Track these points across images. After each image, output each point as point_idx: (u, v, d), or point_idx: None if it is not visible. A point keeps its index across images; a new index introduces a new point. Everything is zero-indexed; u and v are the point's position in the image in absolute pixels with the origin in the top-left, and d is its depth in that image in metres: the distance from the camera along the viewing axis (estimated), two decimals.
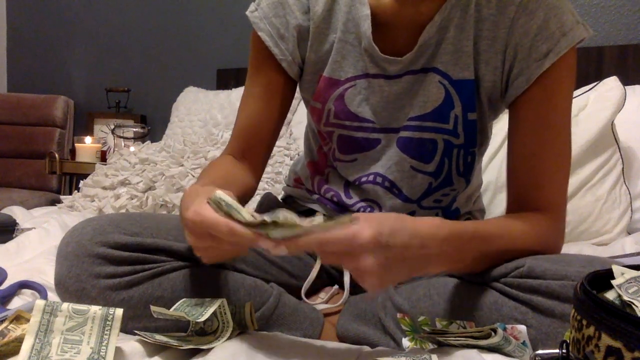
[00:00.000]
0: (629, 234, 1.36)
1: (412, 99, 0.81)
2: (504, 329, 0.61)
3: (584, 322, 0.45)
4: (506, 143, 0.80)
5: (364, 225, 0.53)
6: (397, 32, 0.79)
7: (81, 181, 1.78)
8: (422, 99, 0.80)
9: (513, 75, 0.76)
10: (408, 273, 0.59)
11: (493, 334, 0.60)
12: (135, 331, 0.64)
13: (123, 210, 1.54)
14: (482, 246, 0.66)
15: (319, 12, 0.82)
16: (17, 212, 1.52)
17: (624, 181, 1.40)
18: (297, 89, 0.90)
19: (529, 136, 0.75)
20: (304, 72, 0.87)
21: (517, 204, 0.77)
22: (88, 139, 2.41)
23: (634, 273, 0.49)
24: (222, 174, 0.81)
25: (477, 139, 0.84)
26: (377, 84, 0.81)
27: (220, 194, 0.56)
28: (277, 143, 1.17)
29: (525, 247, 0.69)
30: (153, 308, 0.63)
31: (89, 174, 1.81)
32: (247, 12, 0.85)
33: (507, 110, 0.86)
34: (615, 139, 1.39)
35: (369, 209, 0.87)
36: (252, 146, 0.87)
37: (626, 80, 1.44)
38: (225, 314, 0.65)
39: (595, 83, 1.44)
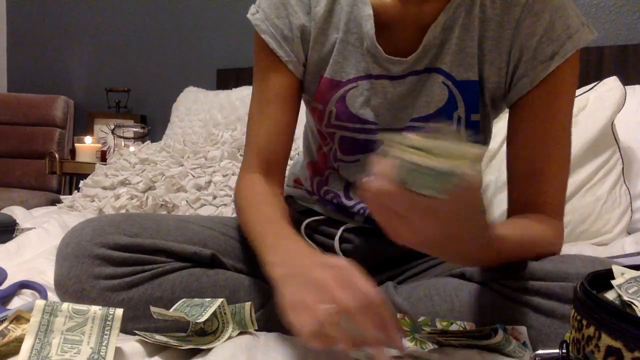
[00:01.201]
0: (629, 234, 1.36)
1: (415, 100, 0.80)
2: (504, 330, 0.61)
3: (584, 322, 0.45)
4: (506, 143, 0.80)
5: None
6: (400, 33, 0.79)
7: (81, 181, 1.78)
8: (425, 100, 0.80)
9: (517, 76, 0.76)
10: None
11: (493, 334, 0.60)
12: (135, 331, 0.64)
13: (123, 210, 1.54)
14: (506, 254, 0.66)
15: (320, 12, 0.81)
16: (17, 212, 1.52)
17: (624, 181, 1.40)
18: None
19: (530, 138, 0.75)
20: (305, 73, 0.86)
21: (519, 205, 0.77)
22: (88, 139, 2.42)
23: (634, 273, 0.49)
24: (272, 213, 0.74)
25: (479, 139, 0.83)
26: (380, 85, 0.81)
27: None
28: None
29: (540, 252, 0.69)
30: (153, 309, 0.63)
31: (89, 174, 1.81)
32: (248, 15, 0.84)
33: (507, 110, 0.86)
34: (615, 139, 1.39)
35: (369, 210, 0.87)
36: (276, 159, 0.84)
37: (626, 80, 1.43)
38: (225, 314, 0.65)
39: (595, 83, 1.44)
